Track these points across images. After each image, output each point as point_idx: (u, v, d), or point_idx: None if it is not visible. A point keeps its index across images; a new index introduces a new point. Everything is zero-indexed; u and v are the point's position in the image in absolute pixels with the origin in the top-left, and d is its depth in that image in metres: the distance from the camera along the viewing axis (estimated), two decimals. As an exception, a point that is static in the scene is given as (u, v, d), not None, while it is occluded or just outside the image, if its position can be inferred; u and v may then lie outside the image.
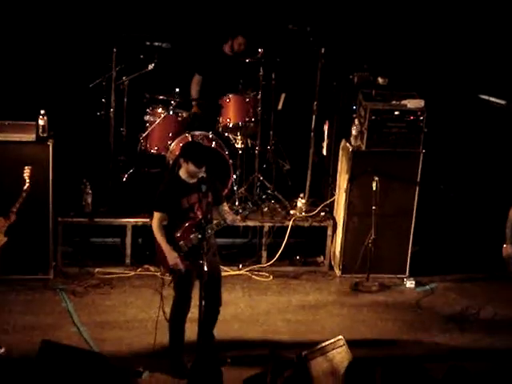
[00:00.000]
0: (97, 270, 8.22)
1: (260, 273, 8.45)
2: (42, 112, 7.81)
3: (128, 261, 8.35)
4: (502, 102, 8.90)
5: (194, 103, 8.86)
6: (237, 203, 8.61)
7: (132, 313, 7.60)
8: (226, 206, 6.83)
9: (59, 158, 7.96)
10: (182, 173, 6.65)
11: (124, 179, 8.68)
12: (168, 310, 6.74)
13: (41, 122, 7.80)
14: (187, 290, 6.67)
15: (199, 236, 6.44)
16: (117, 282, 8.09)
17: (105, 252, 8.52)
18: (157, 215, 6.64)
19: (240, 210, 6.80)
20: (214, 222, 6.65)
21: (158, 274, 8.13)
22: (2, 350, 6.80)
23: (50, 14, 8.87)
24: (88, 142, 8.88)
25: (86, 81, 8.51)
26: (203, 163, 6.55)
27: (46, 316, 7.45)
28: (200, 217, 6.51)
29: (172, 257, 6.56)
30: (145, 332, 7.23)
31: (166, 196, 6.65)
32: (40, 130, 7.82)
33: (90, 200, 8.33)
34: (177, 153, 8.43)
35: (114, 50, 8.38)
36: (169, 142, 8.62)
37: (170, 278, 6.80)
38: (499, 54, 9.21)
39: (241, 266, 8.48)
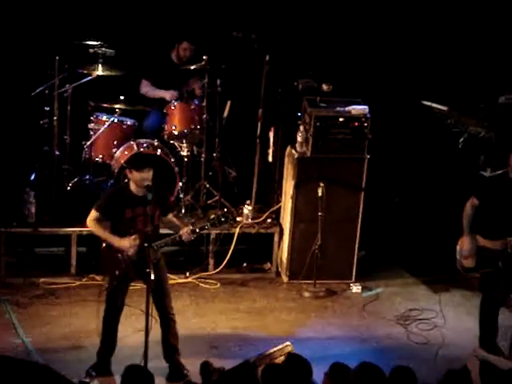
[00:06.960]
0: (41, 280, 8.10)
1: (207, 280, 8.42)
2: (-16, 121, 7.71)
3: (73, 270, 8.26)
4: (444, 107, 9.03)
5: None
6: (183, 211, 8.59)
7: (78, 323, 7.51)
8: (172, 217, 6.92)
9: (1, 167, 7.84)
10: (132, 185, 6.73)
11: (68, 188, 8.59)
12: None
13: (-18, 131, 7.69)
14: (122, 297, 6.75)
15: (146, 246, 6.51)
16: (62, 292, 7.99)
17: (49, 262, 8.40)
18: (93, 213, 6.71)
19: (197, 230, 6.83)
20: (169, 237, 6.74)
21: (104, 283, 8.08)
22: None
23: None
24: (31, 150, 8.77)
25: (28, 89, 8.41)
26: (143, 166, 6.63)
27: (-11, 328, 7.33)
28: (141, 229, 6.61)
29: (125, 244, 6.59)
30: (91, 342, 7.14)
31: (109, 200, 6.75)
32: (-19, 139, 7.71)
33: (33, 209, 8.22)
34: (122, 161, 8.39)
35: (57, 57, 8.30)
36: (114, 150, 8.55)
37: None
38: (441, 60, 9.35)
39: (188, 273, 8.43)
